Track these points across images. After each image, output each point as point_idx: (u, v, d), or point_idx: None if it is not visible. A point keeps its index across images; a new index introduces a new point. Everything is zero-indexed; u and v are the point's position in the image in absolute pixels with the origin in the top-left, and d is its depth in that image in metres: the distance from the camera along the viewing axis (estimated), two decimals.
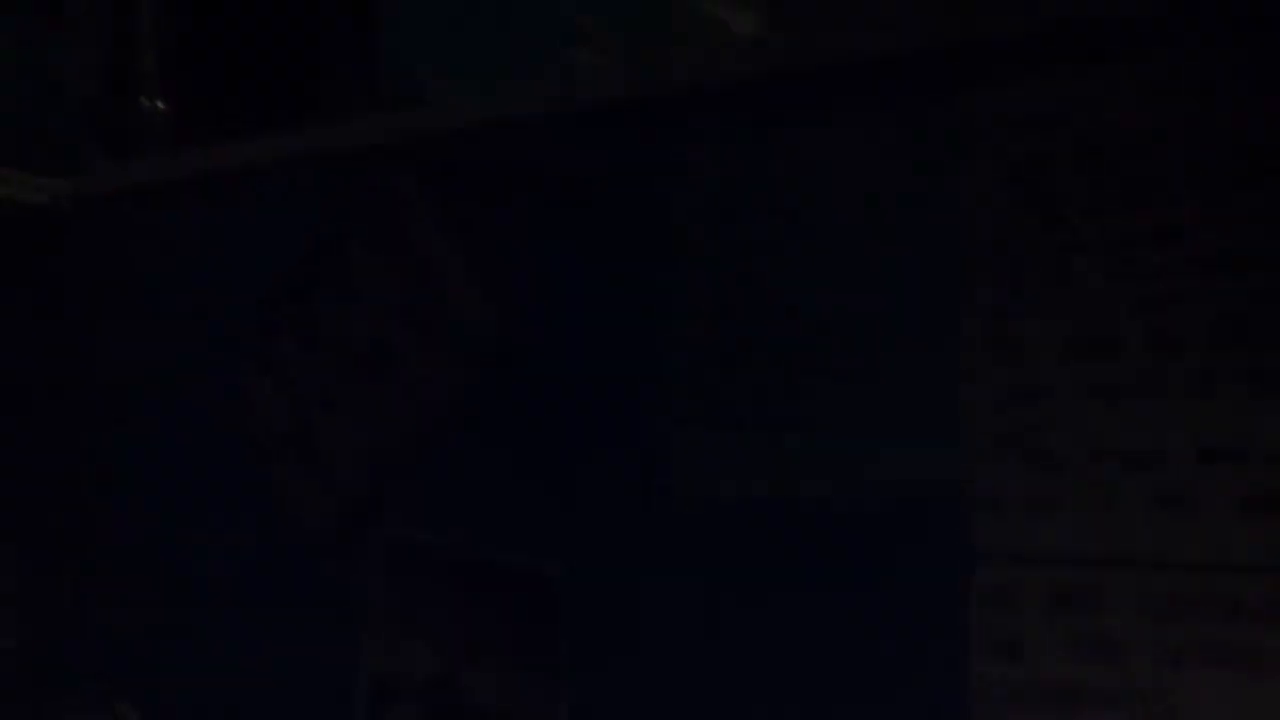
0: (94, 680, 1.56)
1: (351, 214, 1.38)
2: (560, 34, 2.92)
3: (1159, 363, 0.93)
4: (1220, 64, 0.92)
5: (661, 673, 1.15)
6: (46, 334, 1.61)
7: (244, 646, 1.44)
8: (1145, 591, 0.91)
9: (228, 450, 1.47)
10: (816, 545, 1.09)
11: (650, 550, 1.16)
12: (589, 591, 1.20)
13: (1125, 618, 0.92)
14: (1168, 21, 0.93)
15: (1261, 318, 0.89)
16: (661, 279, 1.18)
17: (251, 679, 1.41)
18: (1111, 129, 0.95)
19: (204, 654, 1.48)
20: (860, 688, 1.05)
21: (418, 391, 1.33)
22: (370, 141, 1.41)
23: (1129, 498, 0.93)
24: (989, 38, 1.00)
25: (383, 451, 1.36)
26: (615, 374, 1.21)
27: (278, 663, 1.39)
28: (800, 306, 1.09)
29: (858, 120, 1.07)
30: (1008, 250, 0.98)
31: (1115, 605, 0.92)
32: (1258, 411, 0.88)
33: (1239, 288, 0.91)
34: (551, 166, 1.27)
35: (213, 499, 1.48)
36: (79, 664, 1.57)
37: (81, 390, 1.60)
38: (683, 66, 1.21)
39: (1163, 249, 0.93)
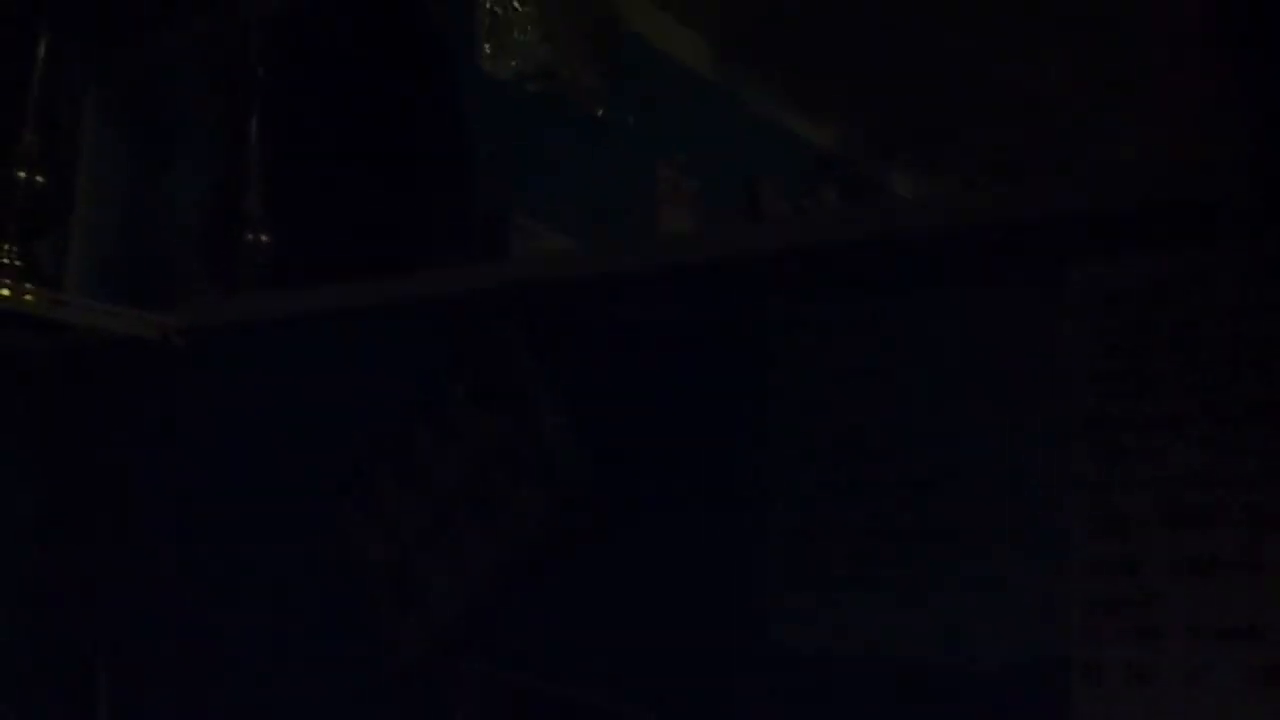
0: None
1: (453, 355, 1.43)
2: (645, 179, 3.00)
3: (1258, 538, 0.94)
4: None
5: None
6: (159, 459, 1.67)
7: None
8: None
9: (323, 579, 1.51)
10: (915, 707, 1.10)
11: (751, 705, 1.18)
12: None
13: None
14: (1268, 205, 0.96)
15: None
16: (761, 433, 1.20)
17: None
18: (1210, 306, 0.98)
19: None
20: None
21: (512, 529, 1.37)
22: (472, 287, 1.48)
23: (1228, 673, 0.94)
24: (1090, 211, 1.04)
25: (477, 587, 1.39)
26: (714, 526, 1.23)
27: None
28: (901, 469, 1.11)
29: (955, 287, 1.10)
30: (1106, 422, 1.00)
31: None
32: None
33: None
34: (650, 317, 1.31)
35: (306, 627, 1.52)
36: None
37: (183, 513, 1.65)
38: (774, 231, 1.26)
39: (1262, 426, 0.94)
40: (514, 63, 2.73)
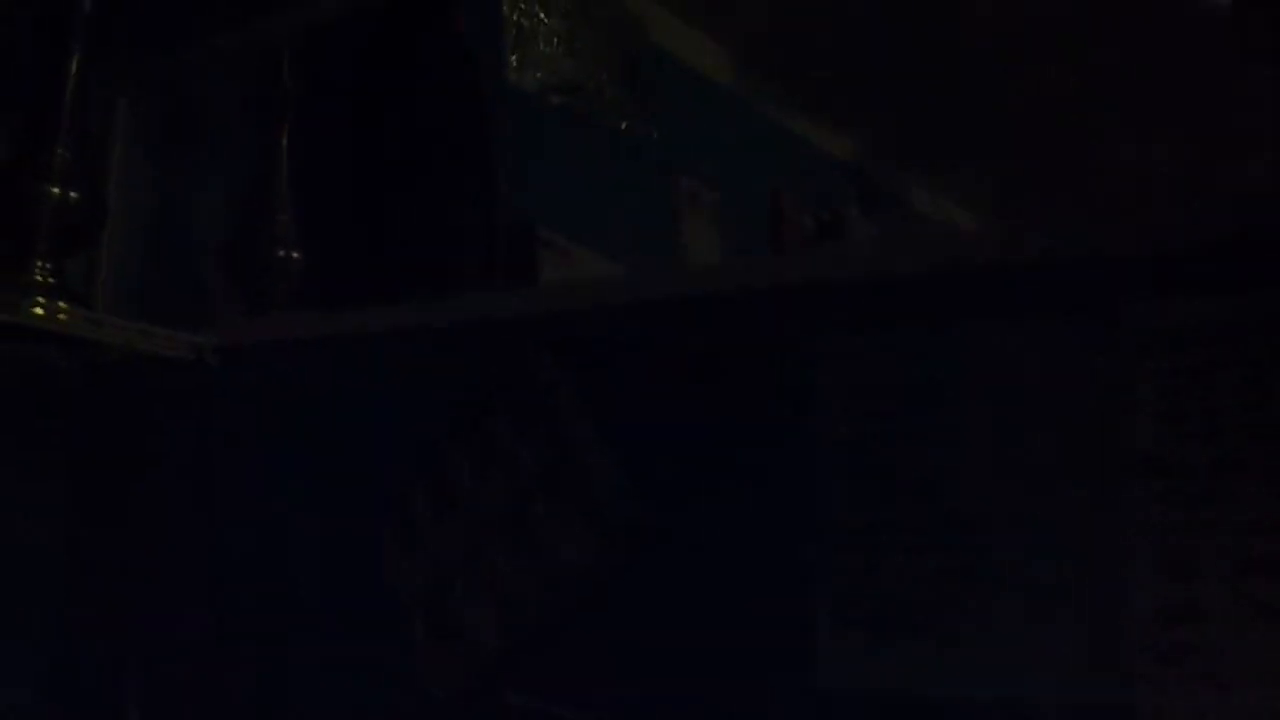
0: None
1: (489, 383, 1.42)
2: (667, 191, 2.99)
3: None
4: None
5: None
6: (191, 478, 1.65)
7: None
8: None
9: (359, 605, 1.49)
10: None
11: None
12: None
13: None
14: None
15: None
16: (806, 464, 1.19)
17: None
18: (1277, 346, 0.96)
19: None
20: None
21: (553, 560, 1.35)
22: (508, 312, 1.46)
23: None
24: (1152, 249, 1.02)
25: (517, 618, 1.38)
26: (756, 563, 1.21)
27: None
28: (950, 508, 1.09)
29: (1012, 323, 1.09)
30: (1170, 465, 0.99)
31: None
32: None
33: None
34: (690, 345, 1.30)
35: (342, 655, 1.50)
36: None
37: (215, 534, 1.64)
38: (818, 261, 1.25)
39: None
40: (539, 75, 2.71)
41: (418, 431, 1.48)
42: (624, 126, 2.94)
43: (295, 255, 1.89)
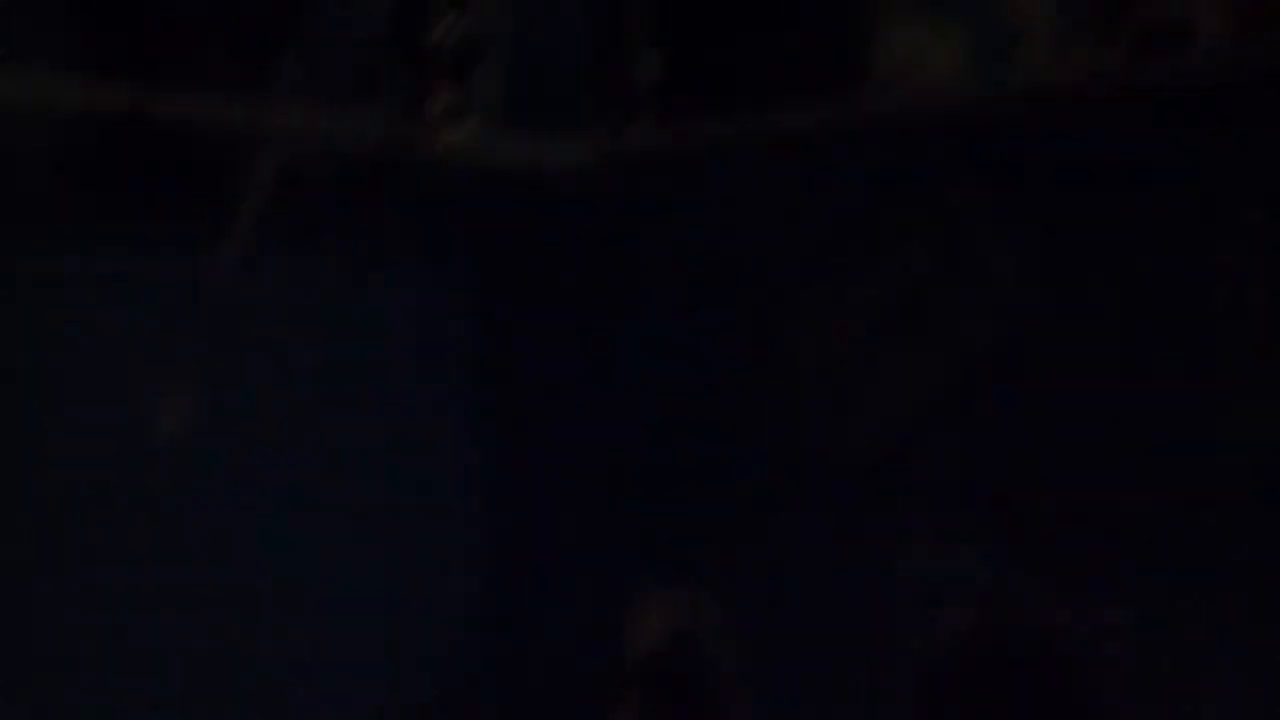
0: None
1: (885, 182, 1.47)
2: None
3: None
4: None
5: None
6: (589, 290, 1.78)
7: None
8: None
9: (752, 387, 1.60)
10: None
11: None
12: None
13: None
14: None
15: None
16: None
17: None
18: None
19: None
20: None
21: (949, 347, 1.42)
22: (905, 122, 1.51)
23: None
24: None
25: (910, 401, 1.46)
26: (1154, 345, 1.24)
27: None
28: None
29: None
30: None
31: None
32: None
33: None
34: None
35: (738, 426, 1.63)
36: None
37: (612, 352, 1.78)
38: None
39: None
40: None
41: (810, 228, 1.56)
42: None
43: (655, 65, 1.96)
